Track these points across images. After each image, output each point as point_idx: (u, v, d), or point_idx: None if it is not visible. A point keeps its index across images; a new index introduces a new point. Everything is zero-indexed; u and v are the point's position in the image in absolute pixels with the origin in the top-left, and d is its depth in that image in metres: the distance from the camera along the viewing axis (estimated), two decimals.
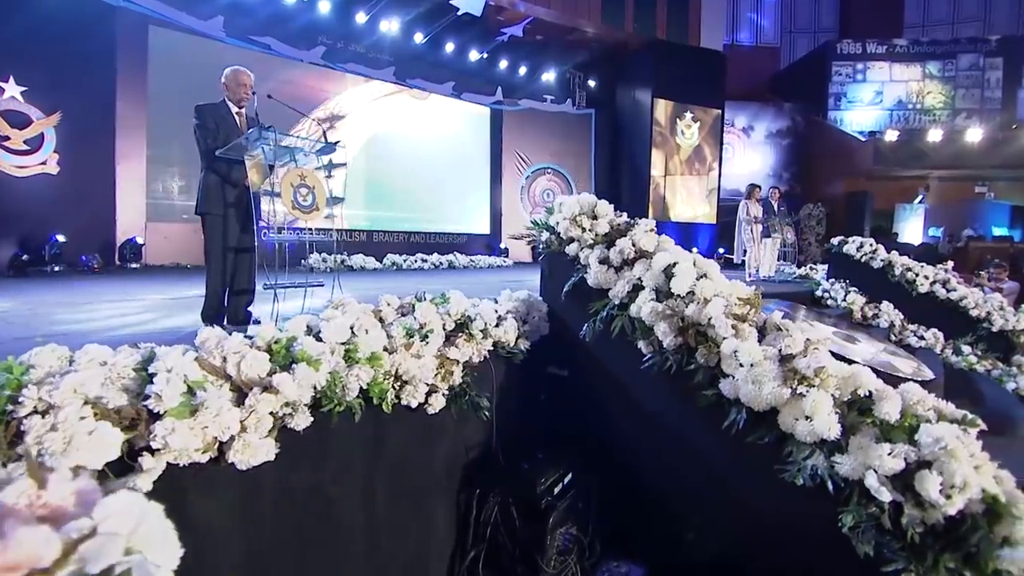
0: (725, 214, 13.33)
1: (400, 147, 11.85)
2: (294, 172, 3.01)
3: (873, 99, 16.19)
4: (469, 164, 13.20)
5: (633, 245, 2.62)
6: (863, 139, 15.02)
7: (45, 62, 6.99)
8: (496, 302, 2.94)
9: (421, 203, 12.24)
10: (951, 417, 1.88)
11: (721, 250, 13.92)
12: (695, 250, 10.94)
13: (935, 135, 14.60)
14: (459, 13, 10.38)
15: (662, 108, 13.27)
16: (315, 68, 10.29)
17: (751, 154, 16.35)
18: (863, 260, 6.92)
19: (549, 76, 13.64)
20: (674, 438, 2.48)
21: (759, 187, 8.72)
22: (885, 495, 1.73)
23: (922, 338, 6.15)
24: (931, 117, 16.23)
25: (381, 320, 2.22)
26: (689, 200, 13.86)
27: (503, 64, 12.80)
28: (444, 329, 2.42)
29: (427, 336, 2.16)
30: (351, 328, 1.98)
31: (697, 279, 2.39)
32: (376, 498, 2.12)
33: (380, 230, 11.29)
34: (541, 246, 2.99)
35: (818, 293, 6.86)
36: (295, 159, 3.13)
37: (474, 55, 12.10)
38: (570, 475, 2.57)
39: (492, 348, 2.62)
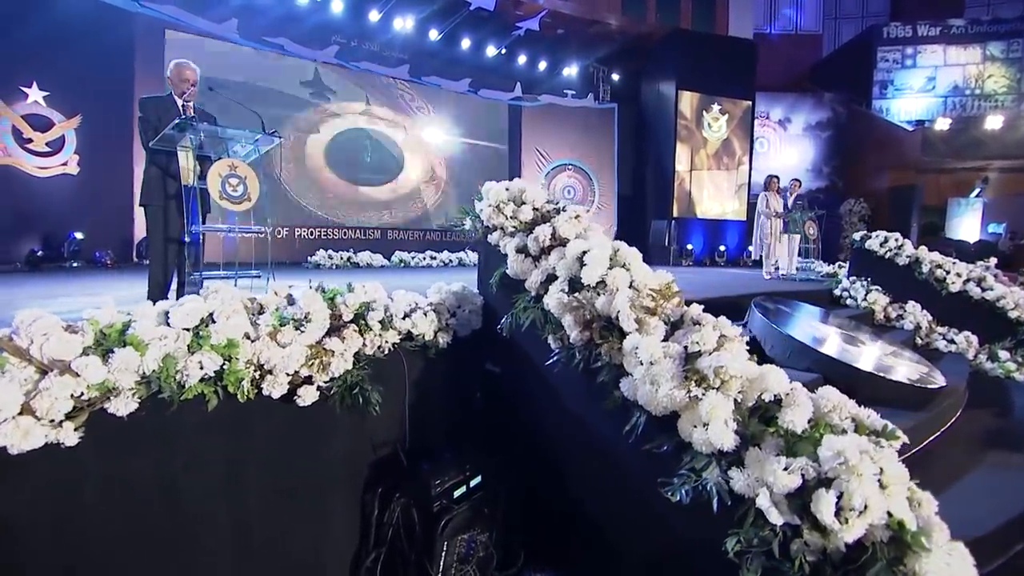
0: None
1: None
2: (223, 163, 2.98)
3: (924, 86, 15.03)
4: (488, 160, 13.06)
5: (553, 232, 2.41)
6: (910, 128, 13.95)
7: (66, 67, 7.35)
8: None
9: (437, 200, 12.20)
10: (870, 428, 1.59)
11: (751, 248, 13.25)
12: (723, 248, 10.40)
13: (994, 122, 13.39)
14: (471, 8, 10.29)
15: (687, 100, 12.75)
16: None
17: (788, 148, 15.50)
18: (887, 256, 6.37)
19: (571, 70, 13.36)
20: (591, 442, 2.26)
21: (778, 178, 8.20)
22: (775, 516, 1.48)
23: (952, 342, 5.57)
24: (992, 103, 14.91)
25: (262, 308, 2.11)
26: (717, 196, 13.26)
27: (522, 59, 12.63)
28: (341, 319, 2.29)
29: (301, 325, 2.03)
30: (211, 314, 1.87)
31: (611, 268, 2.16)
32: (246, 494, 2.00)
33: (394, 227, 11.33)
34: (471, 235, 2.81)
35: (837, 292, 6.35)
36: (229, 151, 3.10)
37: (491, 51, 11.98)
38: (479, 478, 2.38)
39: (400, 341, 2.47)
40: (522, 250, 2.45)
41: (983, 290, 5.71)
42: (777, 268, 8.31)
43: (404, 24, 10.61)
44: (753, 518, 1.57)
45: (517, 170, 13.44)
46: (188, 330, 1.80)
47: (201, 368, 1.74)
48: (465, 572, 2.23)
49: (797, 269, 8.26)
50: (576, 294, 2.17)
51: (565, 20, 12.07)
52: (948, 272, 5.94)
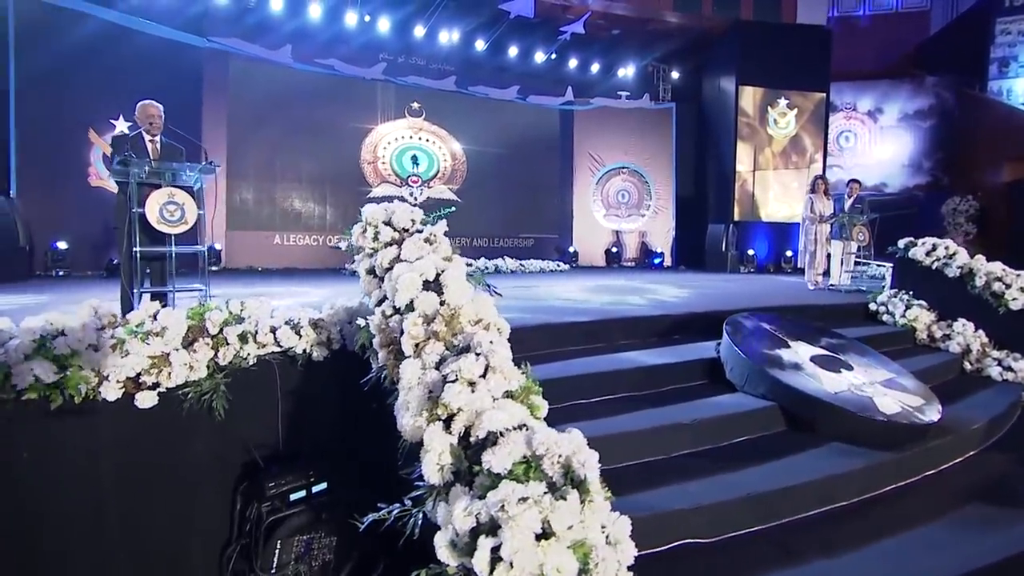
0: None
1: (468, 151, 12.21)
2: (162, 191, 3.40)
3: None
4: (538, 166, 13.04)
5: (399, 255, 2.47)
6: None
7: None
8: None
9: (487, 207, 12.37)
10: (575, 478, 1.49)
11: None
12: (789, 253, 9.57)
13: None
14: (511, 16, 10.40)
15: (749, 96, 11.86)
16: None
17: (880, 141, 13.83)
18: (935, 267, 5.54)
19: (626, 71, 13.02)
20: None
21: (824, 179, 7.42)
22: (445, 556, 1.46)
23: (1009, 369, 4.77)
24: None
25: (127, 322, 2.40)
26: (784, 197, 12.18)
27: (573, 63, 12.52)
28: (207, 333, 2.53)
29: (147, 337, 2.29)
30: (62, 330, 2.18)
31: (424, 292, 2.18)
32: (101, 488, 2.29)
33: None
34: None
35: (873, 307, 5.64)
36: (179, 180, 3.54)
37: (540, 56, 12.01)
38: (323, 485, 2.51)
39: (271, 353, 2.67)
40: (371, 271, 2.54)
41: None
42: (826, 277, 7.50)
43: (449, 37, 10.97)
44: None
45: (568, 175, 13.33)
46: (33, 341, 2.11)
47: (35, 376, 2.04)
48: (299, 571, 2.37)
49: (851, 278, 7.37)
50: (392, 317, 2.22)
51: (618, 20, 11.77)
52: (1009, 286, 5.05)
